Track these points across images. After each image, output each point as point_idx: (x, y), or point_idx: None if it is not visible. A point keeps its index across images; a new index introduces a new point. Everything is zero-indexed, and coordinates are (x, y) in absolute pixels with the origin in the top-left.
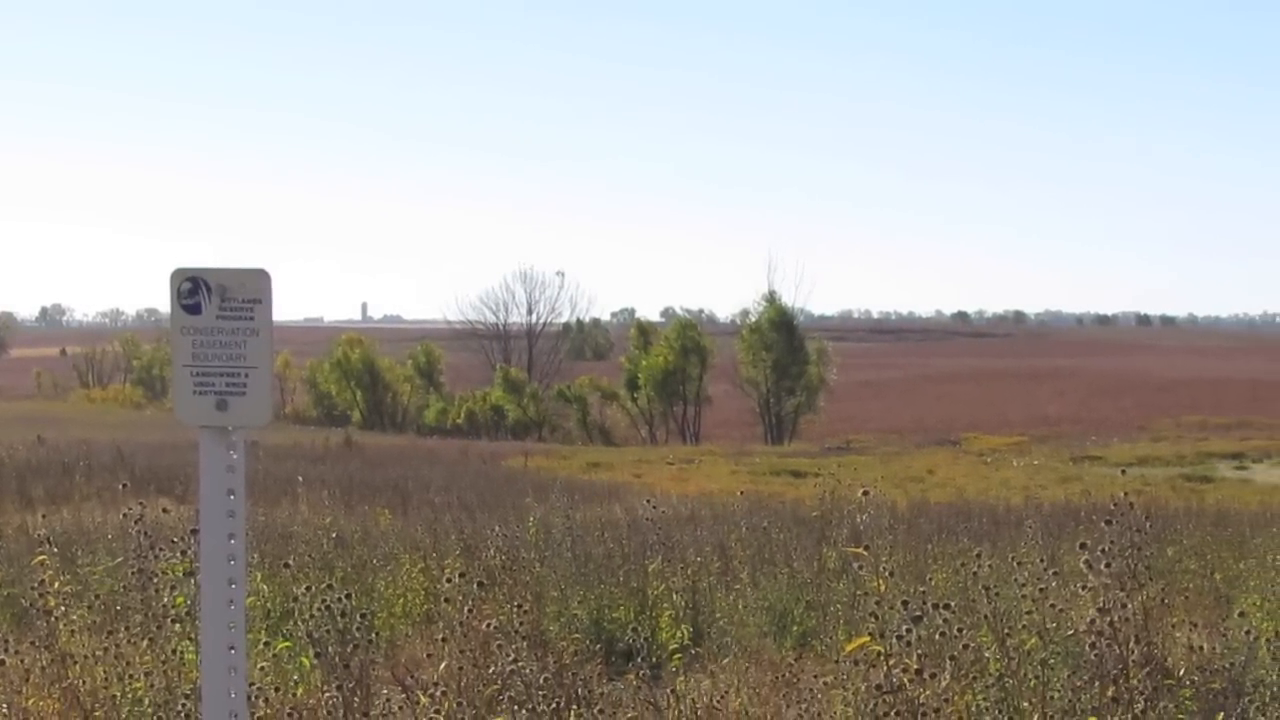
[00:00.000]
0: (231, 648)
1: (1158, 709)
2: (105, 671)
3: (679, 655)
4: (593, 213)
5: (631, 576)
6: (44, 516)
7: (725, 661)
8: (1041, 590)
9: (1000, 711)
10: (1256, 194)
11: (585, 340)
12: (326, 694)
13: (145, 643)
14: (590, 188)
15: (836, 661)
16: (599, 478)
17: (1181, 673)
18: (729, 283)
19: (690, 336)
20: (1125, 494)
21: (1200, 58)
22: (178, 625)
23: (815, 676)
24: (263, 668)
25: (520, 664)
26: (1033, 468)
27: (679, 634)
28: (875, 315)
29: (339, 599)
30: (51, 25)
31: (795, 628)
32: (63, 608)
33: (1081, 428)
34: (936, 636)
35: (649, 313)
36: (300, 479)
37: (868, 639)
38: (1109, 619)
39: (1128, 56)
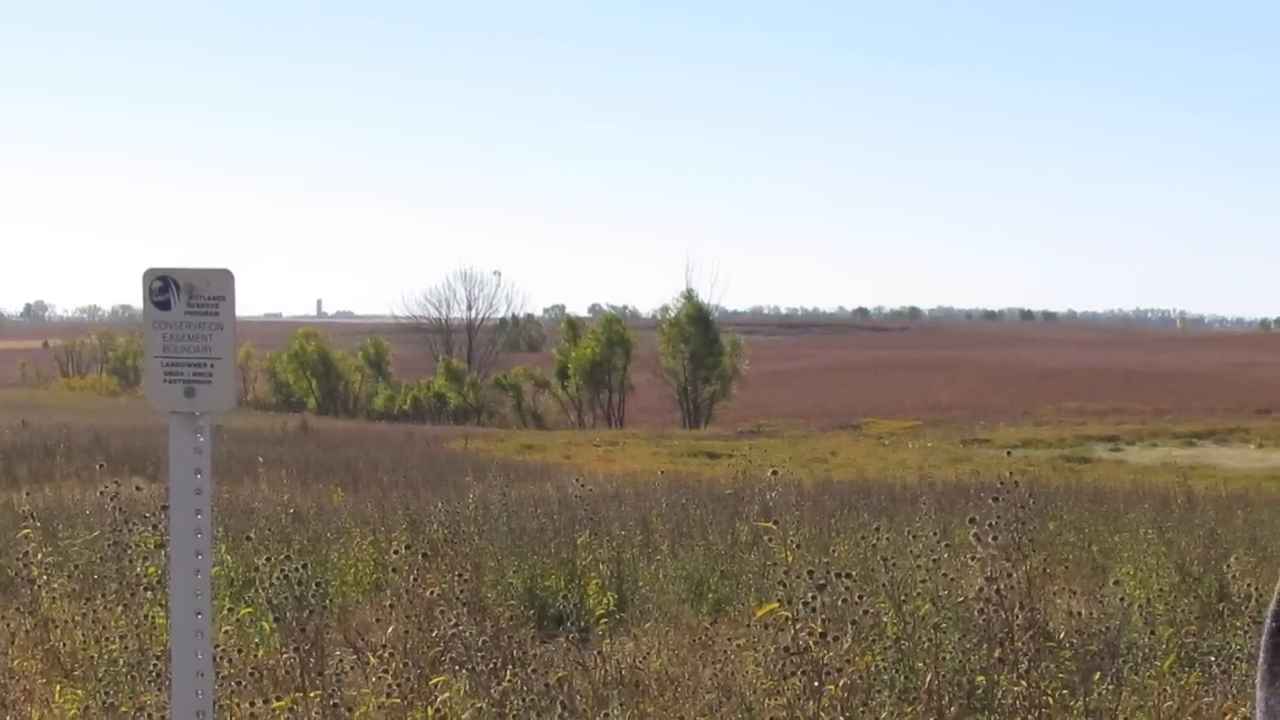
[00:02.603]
0: (198, 613)
1: (1040, 669)
2: (84, 635)
3: (605, 620)
4: (527, 218)
5: (562, 548)
6: (28, 494)
7: (647, 626)
8: (934, 561)
9: (897, 671)
10: (1129, 201)
11: (520, 334)
12: (285, 655)
13: (120, 609)
14: (524, 195)
15: (748, 625)
16: (532, 459)
17: (1062, 636)
18: (650, 281)
19: (615, 330)
20: (1010, 473)
21: (1074, 77)
22: (150, 593)
23: (729, 639)
24: (227, 631)
25: (461, 628)
26: (926, 449)
27: (605, 601)
28: (783, 311)
29: (296, 569)
30: (37, 45)
31: (710, 595)
32: (45, 577)
33: (971, 413)
34: (839, 603)
35: (578, 309)
36: (261, 460)
37: (776, 605)
38: (996, 587)
39: (1009, 76)
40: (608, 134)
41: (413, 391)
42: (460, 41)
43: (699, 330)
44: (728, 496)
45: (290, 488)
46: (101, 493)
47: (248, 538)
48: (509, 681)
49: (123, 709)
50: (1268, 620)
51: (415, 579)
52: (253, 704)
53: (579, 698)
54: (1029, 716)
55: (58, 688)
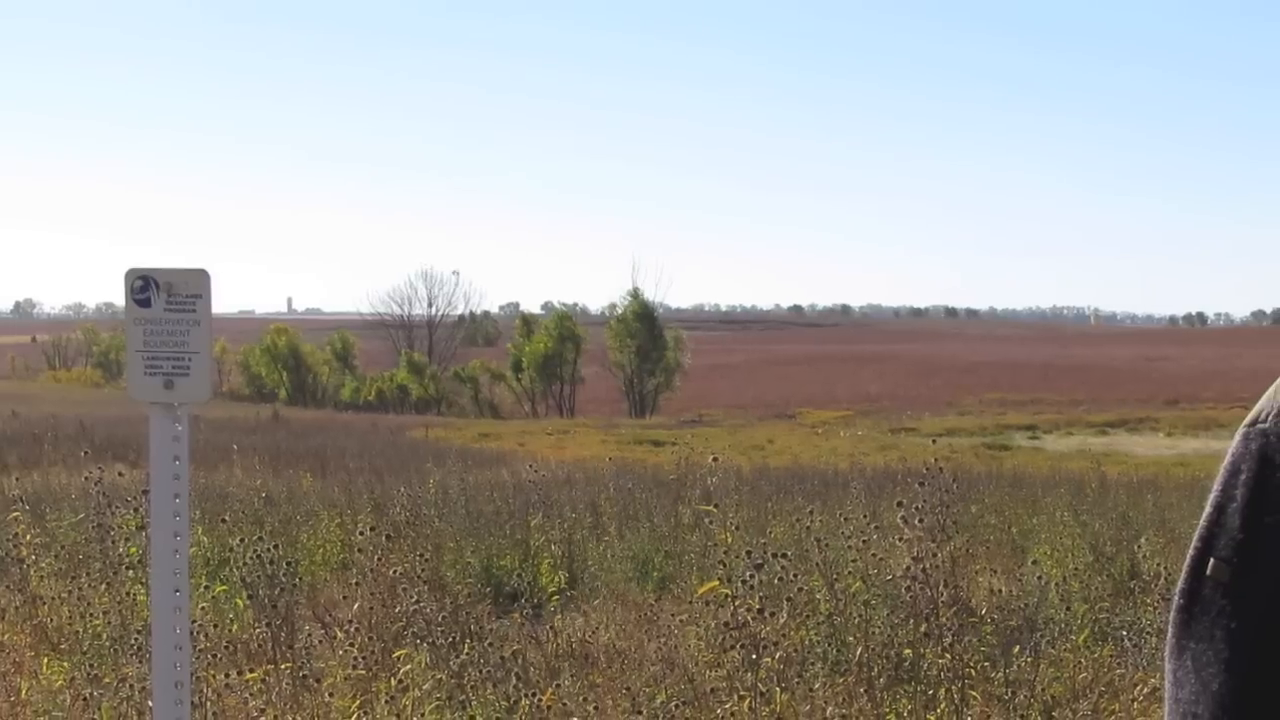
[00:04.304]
0: (177, 591)
1: (963, 642)
2: (70, 611)
3: (557, 597)
4: (483, 221)
5: (516, 530)
6: (17, 479)
7: (596, 602)
8: (864, 541)
9: (830, 645)
10: (1046, 205)
11: (477, 329)
12: (257, 630)
13: (104, 586)
14: (481, 200)
15: (690, 602)
16: (489, 446)
17: (983, 611)
18: (599, 281)
19: (566, 326)
20: (935, 460)
21: (994, 91)
22: (131, 571)
23: (672, 615)
24: (203, 607)
25: (422, 604)
26: (857, 438)
27: (557, 579)
28: (723, 308)
29: (268, 549)
30: (27, 60)
31: (655, 573)
32: (33, 556)
33: (899, 404)
34: (775, 581)
35: (531, 306)
36: (235, 447)
37: (717, 583)
38: (922, 566)
39: (934, 89)
40: (559, 143)
41: (377, 383)
42: (421, 57)
43: (644, 326)
44: (671, 482)
45: (262, 473)
46: (86, 478)
47: (223, 520)
48: (467, 654)
49: (106, 680)
50: (1175, 597)
51: (379, 559)
52: (227, 675)
53: (532, 669)
54: (952, 687)
55: (45, 660)
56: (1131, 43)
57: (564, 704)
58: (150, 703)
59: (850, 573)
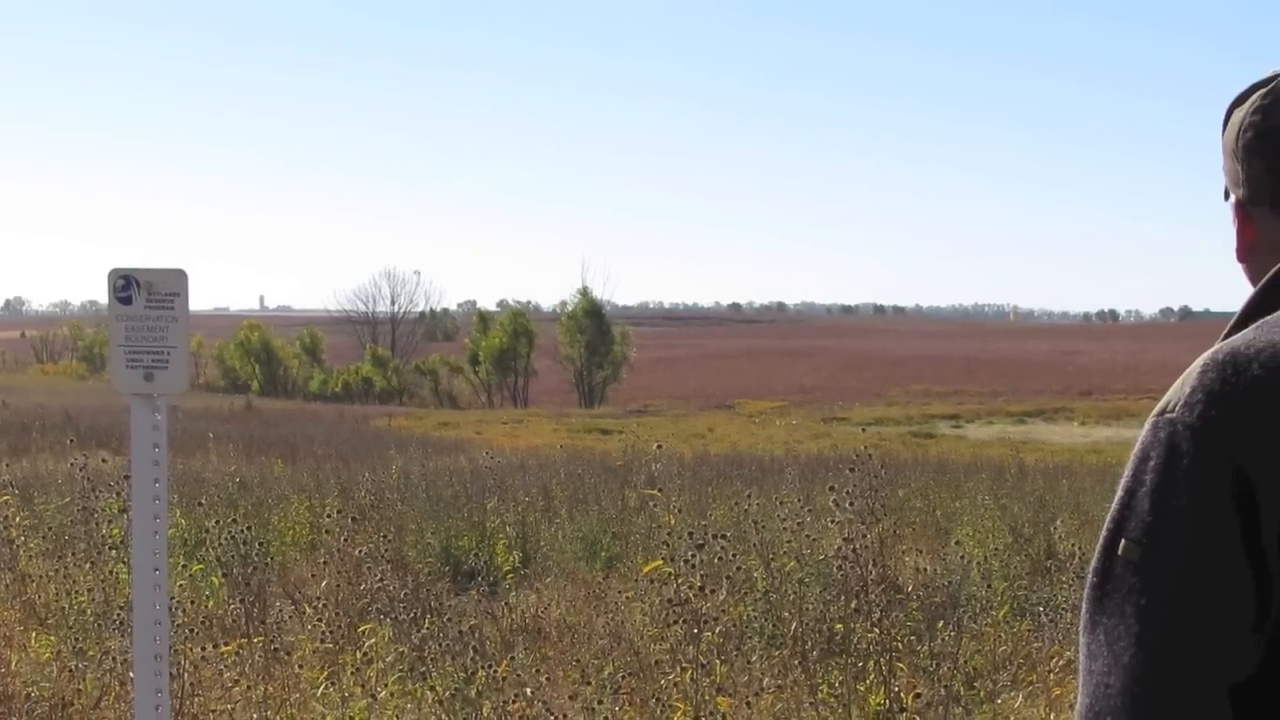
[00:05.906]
0: (156, 569)
1: (891, 618)
2: (56, 588)
3: (511, 575)
4: (443, 223)
5: (473, 513)
6: (7, 465)
7: (548, 580)
8: (799, 523)
9: (766, 620)
10: (968, 208)
11: (437, 325)
12: (232, 606)
13: (88, 565)
14: (440, 203)
15: (636, 580)
16: (448, 434)
17: (910, 589)
18: (551, 279)
19: (520, 322)
20: (865, 447)
21: (920, 101)
22: (114, 551)
23: (619, 592)
24: (181, 585)
25: (385, 582)
26: (792, 426)
27: (511, 558)
28: (667, 305)
29: (241, 531)
30: (18, 71)
31: (603, 553)
32: (22, 538)
33: (831, 395)
34: (715, 560)
35: (487, 303)
36: (211, 436)
37: (661, 562)
38: (852, 546)
39: (861, 99)
40: (513, 151)
41: (343, 376)
42: (385, 70)
43: (593, 322)
44: (618, 468)
45: (236, 460)
46: (72, 464)
47: (199, 503)
48: (427, 629)
49: (90, 653)
50: (1089, 576)
51: (345, 539)
52: (204, 648)
53: (488, 643)
54: (881, 659)
55: (33, 635)
56: (1049, 56)
57: (518, 675)
58: (131, 674)
59: (785, 553)
